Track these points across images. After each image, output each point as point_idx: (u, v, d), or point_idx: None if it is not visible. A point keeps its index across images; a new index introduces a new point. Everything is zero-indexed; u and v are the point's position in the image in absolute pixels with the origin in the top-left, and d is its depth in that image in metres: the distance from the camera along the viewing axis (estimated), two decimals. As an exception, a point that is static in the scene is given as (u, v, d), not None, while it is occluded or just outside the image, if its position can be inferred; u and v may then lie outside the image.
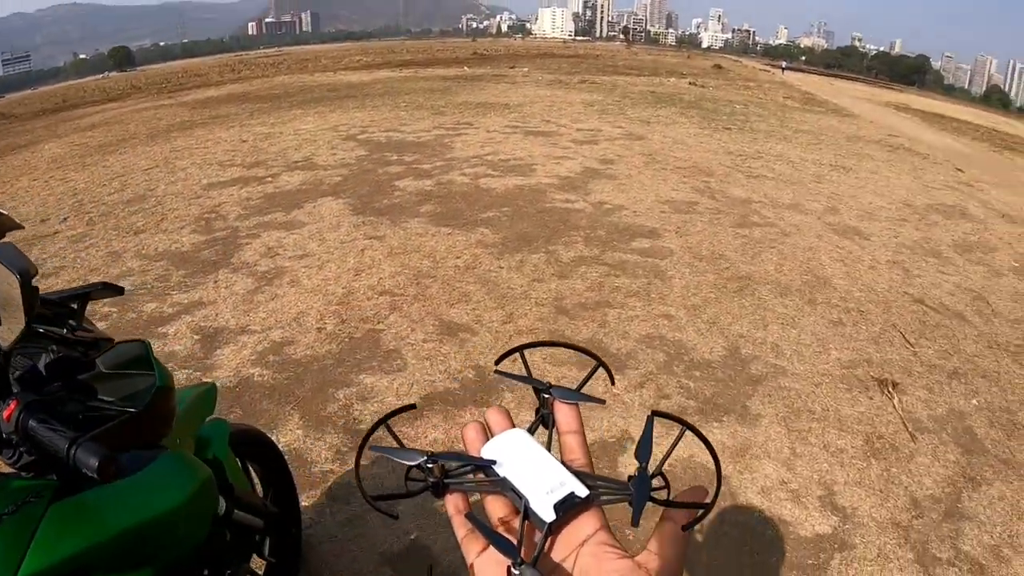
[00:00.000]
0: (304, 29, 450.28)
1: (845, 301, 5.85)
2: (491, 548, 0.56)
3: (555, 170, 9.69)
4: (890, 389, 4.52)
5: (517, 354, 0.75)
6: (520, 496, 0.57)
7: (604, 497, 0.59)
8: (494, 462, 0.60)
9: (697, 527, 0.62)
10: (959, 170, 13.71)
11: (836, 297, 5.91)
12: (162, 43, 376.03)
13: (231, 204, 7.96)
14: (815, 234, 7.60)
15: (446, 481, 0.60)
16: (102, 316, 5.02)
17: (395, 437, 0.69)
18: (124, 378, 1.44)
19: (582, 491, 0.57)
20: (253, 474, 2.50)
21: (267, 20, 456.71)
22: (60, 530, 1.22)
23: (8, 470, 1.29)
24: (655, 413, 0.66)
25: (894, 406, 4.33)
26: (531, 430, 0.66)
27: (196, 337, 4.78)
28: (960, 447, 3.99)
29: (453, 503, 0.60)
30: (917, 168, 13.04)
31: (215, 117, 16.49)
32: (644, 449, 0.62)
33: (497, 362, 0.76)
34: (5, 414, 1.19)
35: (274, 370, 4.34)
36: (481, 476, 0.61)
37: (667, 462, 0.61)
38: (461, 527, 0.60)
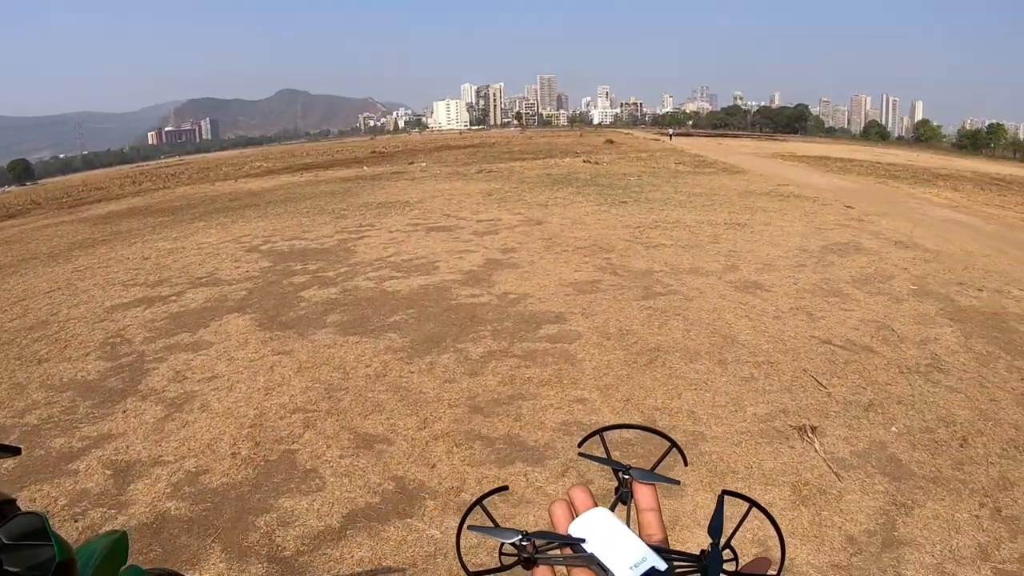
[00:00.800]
0: (204, 136, 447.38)
1: (754, 356, 6.02)
2: None
3: (458, 265, 9.80)
4: (809, 434, 4.64)
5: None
6: (606, 570, 0.63)
7: (679, 570, 0.65)
8: (583, 539, 0.66)
9: None
10: (849, 207, 14.38)
11: (745, 353, 6.09)
12: (61, 155, 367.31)
13: (136, 327, 7.82)
14: (718, 294, 7.84)
15: (536, 556, 0.66)
16: (9, 453, 4.86)
17: (490, 517, 0.74)
18: (27, 549, 1.43)
19: (661, 565, 0.63)
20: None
21: (167, 129, 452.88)
22: None
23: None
24: (725, 492, 0.72)
25: (815, 450, 4.45)
26: (612, 507, 0.71)
27: (108, 472, 4.64)
28: (887, 476, 4.13)
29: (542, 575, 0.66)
30: (808, 212, 13.62)
31: (117, 233, 16.23)
32: (716, 525, 0.69)
33: (580, 444, 0.83)
34: None
35: (191, 502, 4.23)
36: (568, 551, 0.67)
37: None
38: None
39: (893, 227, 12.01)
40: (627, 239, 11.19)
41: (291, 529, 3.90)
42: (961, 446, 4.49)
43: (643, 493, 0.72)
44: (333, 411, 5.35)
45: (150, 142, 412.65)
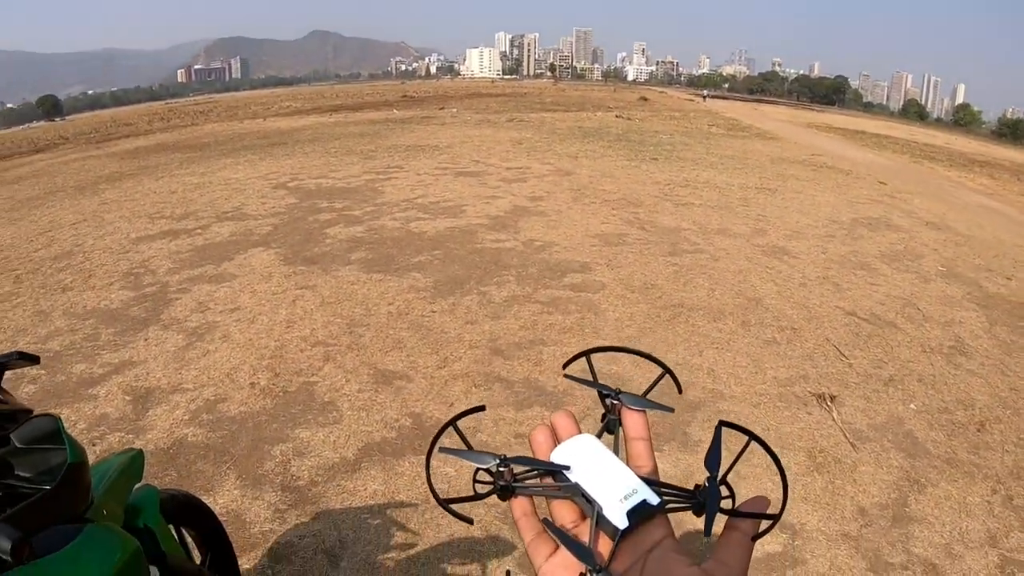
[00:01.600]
0: (234, 76, 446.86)
1: (778, 320, 5.96)
2: (559, 553, 0.57)
3: (485, 210, 9.74)
4: (828, 402, 4.61)
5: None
6: (592, 502, 0.57)
7: (672, 505, 0.59)
8: (567, 467, 0.60)
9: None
10: (882, 183, 14.14)
11: (769, 317, 6.03)
12: (90, 91, 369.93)
13: (160, 258, 7.84)
14: (745, 257, 7.75)
15: (514, 485, 0.60)
16: (31, 379, 4.91)
17: (464, 439, 0.68)
18: (39, 453, 1.41)
19: (654, 499, 0.57)
20: (189, 540, 2.46)
21: (196, 67, 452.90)
22: None
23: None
24: (723, 423, 0.67)
25: (833, 419, 4.42)
26: (598, 435, 0.65)
27: (128, 398, 4.68)
28: (902, 452, 4.10)
29: (520, 507, 0.61)
30: (841, 184, 13.40)
31: (144, 168, 16.25)
32: (713, 458, 0.63)
33: (564, 366, 0.76)
34: None
35: (208, 429, 4.26)
36: (549, 481, 0.61)
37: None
38: (529, 531, 0.60)
39: (925, 207, 11.81)
40: (656, 195, 11.07)
41: (306, 459, 3.92)
42: (978, 431, 4.46)
43: (633, 420, 0.66)
44: (354, 346, 5.35)
45: (179, 80, 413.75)
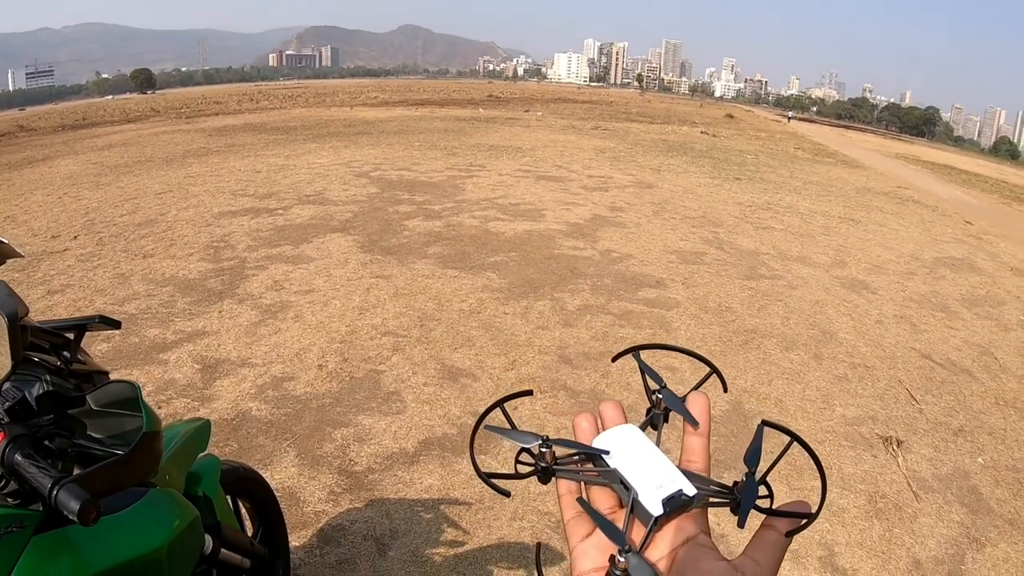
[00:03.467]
0: (324, 63, 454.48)
1: (851, 356, 5.79)
2: (594, 535, 0.57)
3: (564, 216, 9.73)
4: (894, 447, 4.45)
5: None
6: (628, 488, 0.57)
7: (709, 500, 0.59)
8: (607, 452, 0.60)
9: None
10: (968, 223, 13.67)
11: (842, 352, 5.86)
12: (183, 68, 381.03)
13: (240, 234, 8.01)
14: (822, 287, 7.57)
15: (554, 467, 0.60)
16: (105, 338, 5.07)
17: (509, 420, 0.67)
18: (113, 417, 1.41)
19: (690, 490, 0.56)
20: (244, 512, 2.48)
21: (288, 52, 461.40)
22: (40, 564, 1.20)
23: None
24: (765, 422, 0.66)
25: (898, 464, 4.27)
26: (642, 427, 0.64)
27: (197, 366, 4.79)
28: (965, 507, 3.93)
29: (565, 485, 0.61)
30: (926, 220, 13.00)
31: (231, 146, 16.66)
32: (753, 456, 0.62)
33: (613, 359, 0.77)
34: None
35: (272, 405, 4.33)
36: (589, 466, 0.61)
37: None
38: (569, 509, 0.60)
39: (1011, 251, 11.33)
40: (737, 216, 10.92)
41: (366, 446, 3.95)
42: (1046, 492, 4.25)
43: (699, 411, 0.64)
44: (423, 339, 5.37)
45: (271, 64, 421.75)
